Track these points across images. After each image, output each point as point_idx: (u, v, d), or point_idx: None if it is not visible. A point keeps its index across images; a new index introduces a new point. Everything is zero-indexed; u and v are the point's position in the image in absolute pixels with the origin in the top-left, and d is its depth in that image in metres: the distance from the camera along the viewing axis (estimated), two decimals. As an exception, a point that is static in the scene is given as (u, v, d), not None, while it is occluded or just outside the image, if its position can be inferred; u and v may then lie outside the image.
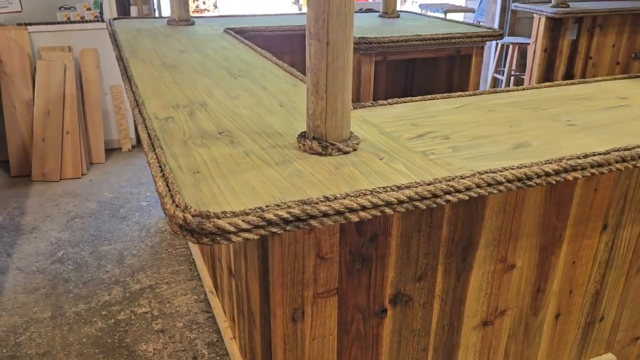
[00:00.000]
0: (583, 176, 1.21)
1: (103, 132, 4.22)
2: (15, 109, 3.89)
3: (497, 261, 1.59)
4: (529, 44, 4.94)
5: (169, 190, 1.01)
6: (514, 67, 5.29)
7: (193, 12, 11.25)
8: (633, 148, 1.28)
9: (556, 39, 4.51)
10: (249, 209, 0.94)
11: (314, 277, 1.31)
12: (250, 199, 1.00)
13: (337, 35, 1.12)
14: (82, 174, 3.98)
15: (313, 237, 1.21)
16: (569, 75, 4.69)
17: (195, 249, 2.70)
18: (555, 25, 4.44)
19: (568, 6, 4.35)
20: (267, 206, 0.95)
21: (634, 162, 1.27)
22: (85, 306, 2.57)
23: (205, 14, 11.21)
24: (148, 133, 1.31)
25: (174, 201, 0.97)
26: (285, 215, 0.94)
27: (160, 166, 1.11)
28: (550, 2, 4.51)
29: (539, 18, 4.43)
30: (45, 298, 2.63)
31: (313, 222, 0.97)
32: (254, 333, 1.73)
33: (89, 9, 4.00)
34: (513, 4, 4.76)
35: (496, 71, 5.51)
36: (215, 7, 11.62)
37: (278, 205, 0.96)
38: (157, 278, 2.79)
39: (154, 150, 1.20)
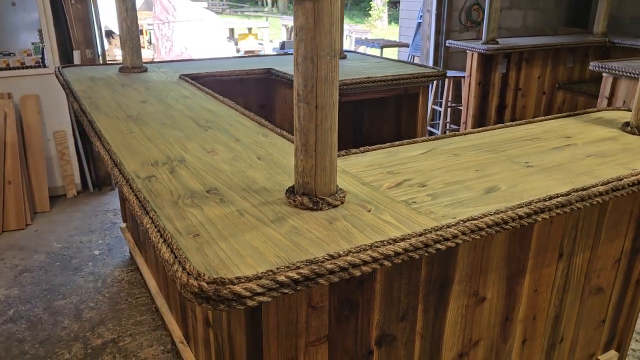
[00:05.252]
0: (550, 217, 1.33)
1: (47, 179, 4.07)
2: (-49, 160, 3.70)
3: (470, 295, 1.68)
4: (462, 77, 5.26)
5: (176, 257, 1.03)
6: (450, 99, 5.59)
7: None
8: (589, 188, 1.42)
9: (488, 73, 4.83)
10: (261, 273, 0.97)
11: (306, 327, 1.35)
12: (258, 261, 1.03)
13: (325, 99, 1.19)
14: (27, 225, 3.81)
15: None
16: (502, 106, 5.02)
17: (160, 298, 2.65)
18: (486, 61, 4.76)
19: (497, 43, 4.69)
20: (277, 268, 0.99)
21: (590, 201, 1.41)
22: (45, 367, 2.46)
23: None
24: (136, 195, 1.32)
25: (184, 268, 0.99)
26: (296, 276, 0.98)
27: (159, 231, 1.13)
28: (479, 38, 4.84)
29: (472, 54, 4.74)
30: (0, 362, 2.49)
31: (321, 281, 1.02)
32: (239, 384, 1.72)
33: (29, 55, 3.90)
34: (447, 42, 5.07)
35: (434, 103, 5.79)
36: (150, 43, 11.51)
37: (287, 267, 1.00)
38: (120, 330, 2.71)
39: (148, 214, 1.21)
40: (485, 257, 1.65)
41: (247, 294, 0.94)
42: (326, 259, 1.03)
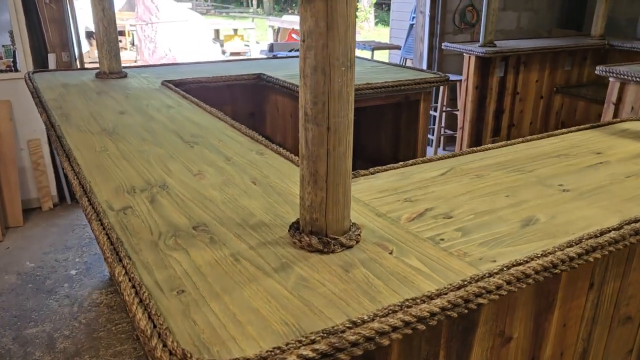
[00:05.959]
0: (602, 256, 1.13)
1: (20, 191, 3.79)
2: None
3: (495, 336, 1.48)
4: (457, 80, 5.07)
5: (155, 327, 0.80)
6: (445, 103, 5.40)
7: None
8: (642, 219, 1.22)
9: (486, 77, 4.65)
10: (266, 352, 0.75)
11: (313, 388, 1.12)
12: (260, 330, 0.81)
13: (339, 119, 0.97)
14: (-3, 242, 3.53)
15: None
16: (499, 111, 4.84)
17: (141, 328, 2.40)
18: (484, 64, 4.57)
19: (495, 45, 4.50)
20: (287, 344, 0.77)
21: (645, 234, 1.21)
22: (12, 409, 2.20)
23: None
24: (107, 235, 1.08)
25: (165, 345, 0.76)
26: (311, 354, 0.76)
27: (134, 288, 0.90)
28: (473, 40, 4.66)
29: (469, 57, 4.55)
30: (-39, 403, 2.23)
31: (341, 356, 0.80)
32: None
33: (0, 58, 3.62)
34: (443, 44, 4.87)
35: (428, 107, 5.59)
36: (133, 44, 11.20)
37: (299, 342, 0.77)
38: (97, 363, 2.46)
39: (121, 262, 0.98)
40: (513, 293, 1.45)
41: (249, 382, 0.72)
42: (347, 327, 0.81)
